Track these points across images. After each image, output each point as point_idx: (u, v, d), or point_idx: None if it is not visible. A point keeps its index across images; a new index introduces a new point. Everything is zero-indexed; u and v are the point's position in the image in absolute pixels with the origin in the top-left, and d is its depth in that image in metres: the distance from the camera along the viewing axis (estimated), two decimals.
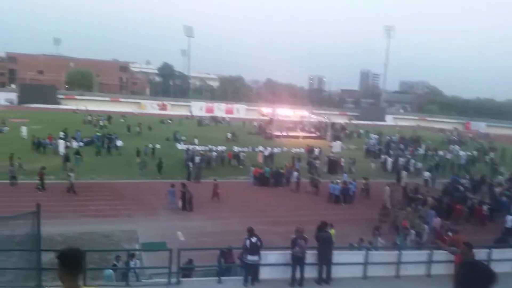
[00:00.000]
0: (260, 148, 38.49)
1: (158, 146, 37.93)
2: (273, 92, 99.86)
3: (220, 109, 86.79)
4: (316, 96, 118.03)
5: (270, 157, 34.80)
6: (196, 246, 14.01)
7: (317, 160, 33.95)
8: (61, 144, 33.31)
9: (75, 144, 35.01)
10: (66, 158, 28.68)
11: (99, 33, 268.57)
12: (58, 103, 78.93)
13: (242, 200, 24.33)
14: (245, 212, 21.30)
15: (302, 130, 59.20)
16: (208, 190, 24.04)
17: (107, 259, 12.94)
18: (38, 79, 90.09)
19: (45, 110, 66.96)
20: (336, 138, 48.96)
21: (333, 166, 32.89)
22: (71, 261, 2.81)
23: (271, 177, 27.82)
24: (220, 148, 37.27)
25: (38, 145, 33.16)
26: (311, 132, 57.83)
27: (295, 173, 28.17)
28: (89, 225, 17.93)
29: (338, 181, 26.15)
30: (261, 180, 27.65)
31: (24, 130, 38.12)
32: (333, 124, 57.61)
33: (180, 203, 21.21)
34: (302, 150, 40.61)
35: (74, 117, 58.84)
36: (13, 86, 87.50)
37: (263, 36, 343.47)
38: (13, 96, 78.73)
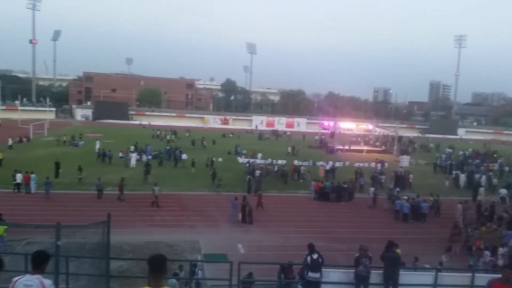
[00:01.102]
0: (321, 162, 37.81)
1: (220, 159, 38.87)
2: (335, 105, 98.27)
3: (280, 123, 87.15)
4: (381, 108, 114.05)
5: (331, 172, 34.02)
6: (256, 259, 13.95)
7: (382, 175, 32.53)
8: (133, 157, 35.32)
9: (144, 158, 36.96)
10: (147, 171, 29.95)
11: (168, 52, 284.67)
12: (130, 119, 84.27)
13: (302, 215, 23.90)
14: (305, 227, 20.90)
15: (366, 143, 57.42)
16: (267, 204, 24.05)
17: (171, 268, 13.28)
18: (112, 97, 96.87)
19: (117, 126, 71.79)
20: (403, 152, 46.72)
21: (401, 182, 31.25)
22: (157, 265, 3.55)
23: (332, 192, 27.11)
24: (280, 161, 37.21)
25: (103, 157, 35.98)
26: (376, 146, 55.86)
27: (372, 189, 27.42)
28: (155, 234, 18.63)
29: (406, 197, 24.87)
30: (322, 195, 27.05)
31: (98, 144, 41.04)
32: (400, 138, 55.21)
33: (240, 216, 21.38)
34: (366, 164, 39.26)
35: (143, 132, 62.39)
36: (89, 103, 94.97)
37: (325, 49, 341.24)
38: (89, 112, 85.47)
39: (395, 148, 50.92)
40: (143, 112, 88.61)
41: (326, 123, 63.46)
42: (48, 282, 4.17)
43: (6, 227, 15.18)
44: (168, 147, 41.50)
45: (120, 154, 37.43)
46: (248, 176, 29.47)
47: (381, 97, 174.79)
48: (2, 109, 76.50)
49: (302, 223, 21.88)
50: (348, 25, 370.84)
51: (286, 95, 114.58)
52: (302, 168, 33.92)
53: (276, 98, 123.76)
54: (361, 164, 38.73)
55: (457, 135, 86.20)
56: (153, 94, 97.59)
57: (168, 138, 53.51)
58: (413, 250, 16.14)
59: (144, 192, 25.91)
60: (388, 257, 10.09)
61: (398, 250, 12.31)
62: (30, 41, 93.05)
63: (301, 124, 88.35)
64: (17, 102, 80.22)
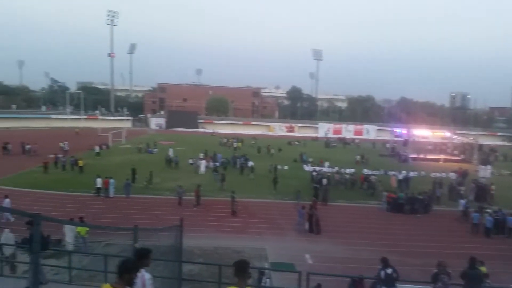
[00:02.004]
0: (394, 171, 36.07)
1: (285, 167, 38.80)
2: (407, 111, 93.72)
3: (348, 130, 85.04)
4: (459, 114, 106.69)
5: (405, 182, 32.25)
6: (324, 270, 13.54)
7: (461, 186, 30.15)
8: (202, 164, 36.49)
9: (212, 164, 37.99)
10: (222, 179, 30.41)
11: (235, 62, 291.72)
12: (199, 127, 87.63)
13: (373, 226, 22.83)
14: (376, 240, 19.96)
15: (443, 152, 53.89)
16: (336, 214, 23.42)
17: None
18: (183, 106, 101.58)
19: (188, 133, 74.95)
20: (484, 161, 43.07)
21: (482, 193, 28.75)
22: (242, 268, 4.11)
23: (407, 203, 25.63)
24: (348, 170, 36.18)
25: (169, 162, 38.67)
26: (454, 155, 52.21)
27: (462, 201, 25.39)
28: (223, 240, 18.94)
29: (489, 211, 22.80)
30: (395, 206, 25.68)
31: (170, 152, 43.01)
32: (480, 146, 51.16)
33: (307, 225, 21.00)
34: (444, 174, 36.77)
35: (211, 139, 64.43)
36: (162, 112, 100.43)
37: (395, 52, 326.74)
38: (162, 121, 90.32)
39: (474, 157, 47.21)
40: (211, 121, 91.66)
41: (398, 130, 60.75)
42: (148, 275, 4.80)
43: (87, 228, 16.35)
44: (235, 155, 42.34)
45: (190, 161, 38.92)
46: (315, 185, 28.96)
47: (458, 102, 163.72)
48: (84, 118, 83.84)
49: (373, 235, 20.90)
50: (420, 26, 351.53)
51: (354, 101, 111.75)
52: (372, 177, 32.58)
53: (344, 105, 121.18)
54: (438, 174, 36.35)
55: None
56: (220, 103, 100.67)
57: (234, 146, 54.65)
58: (497, 268, 14.71)
59: (214, 198, 26.54)
60: (469, 275, 9.25)
61: (482, 268, 11.24)
62: (109, 55, 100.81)
63: (371, 131, 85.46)
64: (97, 112, 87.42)
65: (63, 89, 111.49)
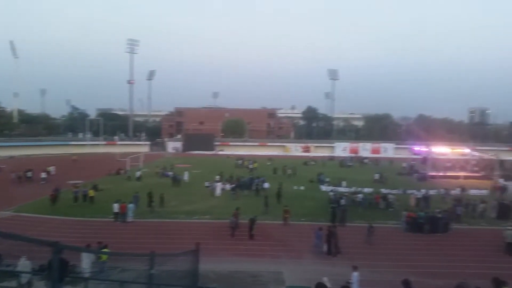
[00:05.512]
0: (412, 190, 35.45)
1: (302, 187, 38.58)
2: (426, 128, 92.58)
3: (365, 149, 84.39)
4: (478, 130, 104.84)
5: (424, 200, 31.61)
6: None
7: (482, 203, 29.37)
8: (218, 186, 36.56)
9: (228, 186, 37.99)
10: (266, 202, 29.69)
11: (251, 84, 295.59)
12: (214, 150, 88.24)
13: (392, 247, 22.33)
14: (396, 261, 19.51)
15: (463, 169, 52.78)
16: (355, 235, 23.05)
17: None
18: (199, 129, 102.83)
19: (204, 156, 75.47)
20: (507, 178, 41.99)
21: (504, 211, 27.96)
22: None
23: (426, 222, 25.04)
24: (366, 190, 35.72)
25: (174, 180, 40.96)
26: (475, 172, 51.06)
27: None
28: (239, 263, 18.75)
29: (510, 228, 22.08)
30: (414, 226, 25.09)
31: (186, 175, 43.28)
32: (502, 162, 49.91)
33: (325, 247, 20.70)
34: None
35: (227, 161, 64.67)
36: (179, 136, 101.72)
37: (413, 70, 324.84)
38: (179, 144, 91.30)
39: (496, 173, 46.03)
40: (227, 143, 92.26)
41: (416, 148, 59.95)
42: None
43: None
44: (252, 177, 42.31)
45: (206, 184, 39.11)
46: (333, 205, 28.64)
47: (477, 118, 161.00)
48: (103, 144, 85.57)
49: (393, 256, 20.43)
50: (437, 42, 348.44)
51: (371, 119, 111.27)
52: (390, 196, 32.07)
53: (360, 123, 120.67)
54: (457, 192, 35.57)
55: None
56: (236, 125, 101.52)
57: (250, 167, 54.70)
58: None
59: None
60: None
61: None
62: (128, 82, 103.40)
63: (389, 150, 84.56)
64: (115, 137, 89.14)
65: (83, 116, 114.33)
